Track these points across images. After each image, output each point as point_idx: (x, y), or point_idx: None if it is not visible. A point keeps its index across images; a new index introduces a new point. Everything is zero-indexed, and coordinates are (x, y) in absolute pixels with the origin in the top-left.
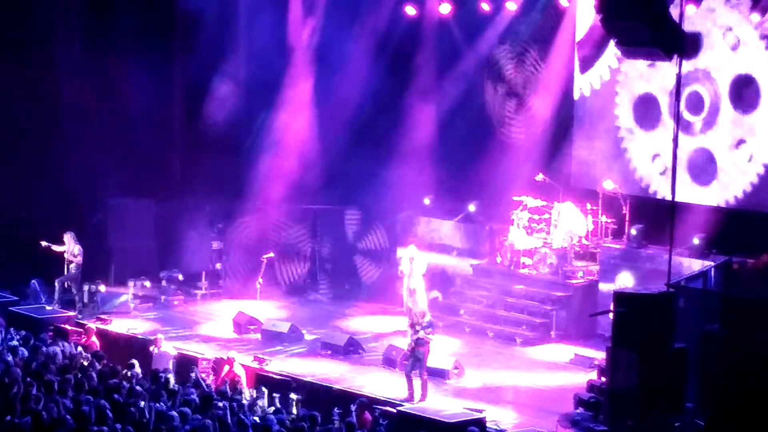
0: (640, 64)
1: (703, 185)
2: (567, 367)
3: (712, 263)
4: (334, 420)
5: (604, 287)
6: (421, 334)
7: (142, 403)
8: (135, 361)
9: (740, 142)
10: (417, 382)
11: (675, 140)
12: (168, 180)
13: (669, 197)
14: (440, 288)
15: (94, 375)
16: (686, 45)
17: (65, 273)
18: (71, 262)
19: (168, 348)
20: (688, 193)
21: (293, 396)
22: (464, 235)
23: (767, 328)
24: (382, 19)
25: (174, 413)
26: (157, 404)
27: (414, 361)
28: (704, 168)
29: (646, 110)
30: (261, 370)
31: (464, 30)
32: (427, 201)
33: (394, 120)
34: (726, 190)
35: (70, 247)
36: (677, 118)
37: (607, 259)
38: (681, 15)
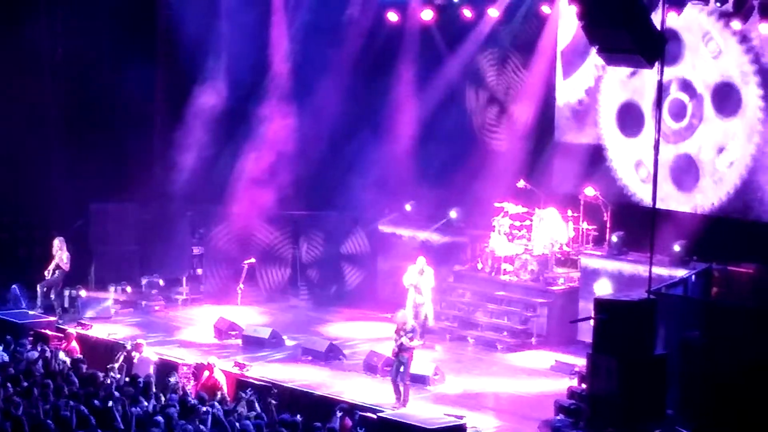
0: (622, 71)
1: (685, 192)
2: (548, 374)
3: (693, 270)
4: (317, 427)
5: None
6: (404, 340)
7: (123, 408)
8: (115, 366)
9: (721, 149)
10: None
11: (656, 147)
12: (149, 185)
13: (650, 204)
14: None
15: (75, 380)
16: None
17: (47, 278)
18: (58, 268)
19: (149, 353)
20: (669, 199)
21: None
22: None
23: (747, 335)
24: (364, 26)
25: (159, 418)
26: (138, 409)
27: (398, 366)
28: (686, 175)
29: (628, 117)
30: (242, 375)
31: (446, 36)
32: (408, 207)
33: (375, 126)
34: (707, 196)
35: (59, 254)
36: (658, 125)
37: (588, 266)
38: (662, 22)
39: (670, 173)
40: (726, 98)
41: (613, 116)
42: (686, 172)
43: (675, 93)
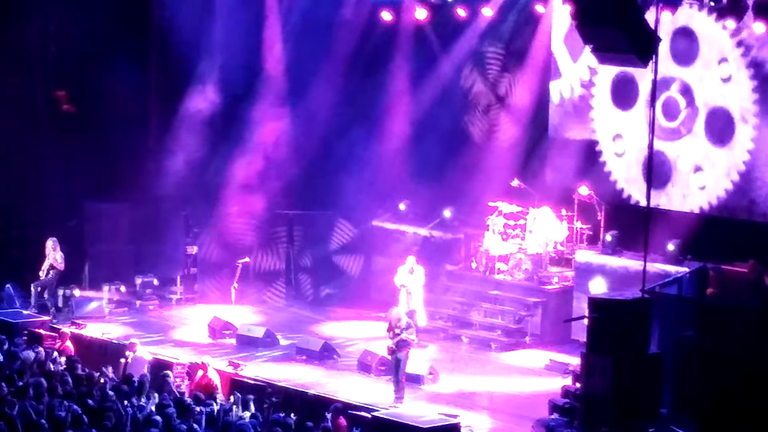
0: (617, 70)
1: (679, 191)
2: (542, 373)
3: (687, 269)
4: (310, 427)
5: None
6: (404, 335)
7: (118, 408)
8: (109, 366)
9: (698, 168)
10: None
11: (650, 146)
12: (144, 185)
13: (644, 203)
14: None
15: (69, 379)
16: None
17: (42, 278)
18: (53, 268)
19: (143, 353)
20: (663, 199)
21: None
22: None
23: (741, 335)
24: (358, 25)
25: (153, 418)
26: (132, 409)
27: (396, 363)
28: (680, 174)
29: (622, 90)
30: (236, 375)
31: (440, 35)
32: (402, 206)
33: (369, 125)
34: (701, 196)
35: (53, 254)
36: (652, 124)
37: (582, 265)
38: (656, 21)
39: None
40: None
41: (606, 115)
42: (680, 172)
43: (669, 92)
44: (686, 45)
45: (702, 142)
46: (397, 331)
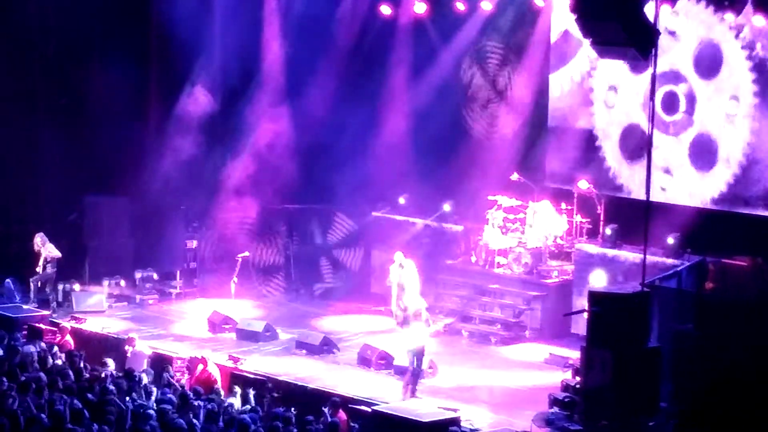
0: (616, 63)
1: (678, 184)
2: (542, 367)
3: (687, 263)
4: (309, 421)
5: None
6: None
7: (118, 402)
8: (110, 360)
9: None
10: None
11: (650, 140)
12: (143, 179)
13: (643, 197)
14: None
15: (69, 374)
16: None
17: (40, 273)
18: (48, 262)
19: (143, 347)
20: (663, 192)
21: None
22: None
23: (741, 328)
24: (357, 18)
25: (151, 412)
26: (133, 403)
27: (414, 356)
28: (679, 167)
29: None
30: (236, 369)
31: (439, 29)
32: (402, 200)
33: (368, 119)
34: (701, 189)
35: (44, 249)
36: (652, 117)
37: (582, 259)
38: (656, 15)
39: (663, 166)
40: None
41: (605, 108)
42: (679, 165)
43: (668, 85)
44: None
45: (709, 116)
46: (415, 322)
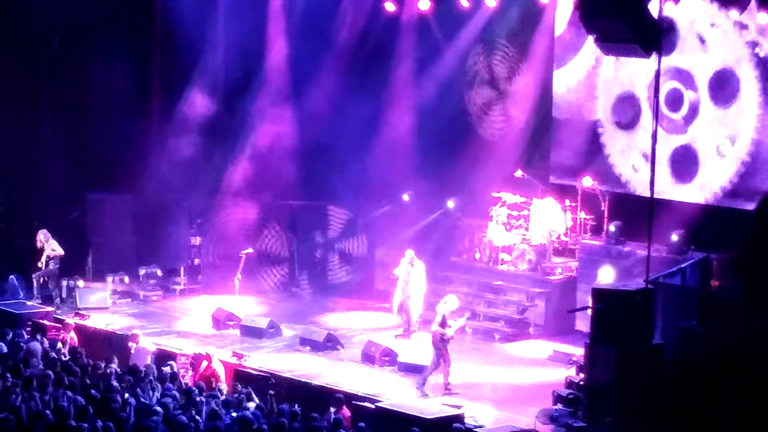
0: (620, 61)
1: (682, 182)
2: (545, 363)
3: (691, 259)
4: (314, 418)
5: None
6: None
7: (122, 399)
8: (114, 357)
9: (720, 138)
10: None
11: (654, 137)
12: (146, 176)
13: (647, 194)
14: None
15: (73, 370)
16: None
17: (43, 269)
18: (51, 258)
19: (147, 344)
20: (667, 189)
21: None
22: None
23: (744, 325)
24: (361, 15)
25: (156, 408)
26: (137, 400)
27: (437, 355)
28: (683, 164)
29: (625, 106)
30: (240, 365)
31: (443, 26)
32: (406, 197)
33: (372, 116)
34: (705, 186)
35: (47, 245)
36: (656, 114)
37: (586, 256)
38: (660, 12)
39: (667, 163)
40: (724, 88)
41: (609, 105)
42: (683, 162)
43: (672, 82)
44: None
45: (714, 112)
46: (447, 323)
